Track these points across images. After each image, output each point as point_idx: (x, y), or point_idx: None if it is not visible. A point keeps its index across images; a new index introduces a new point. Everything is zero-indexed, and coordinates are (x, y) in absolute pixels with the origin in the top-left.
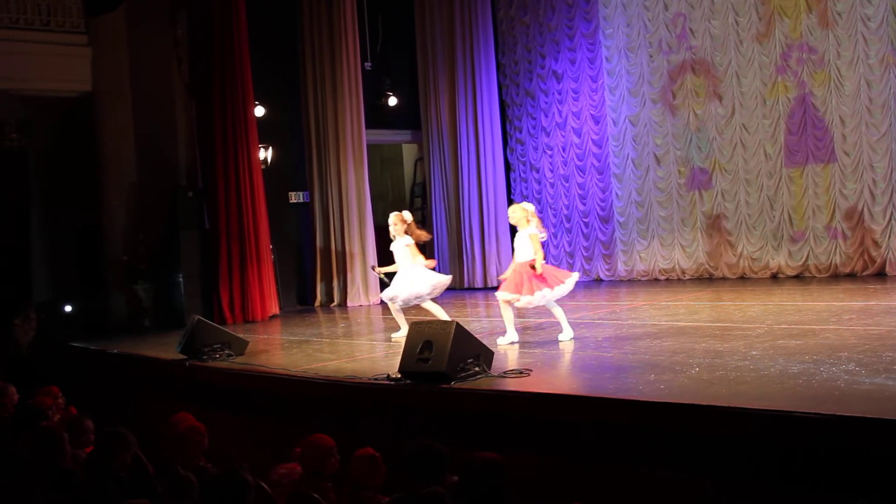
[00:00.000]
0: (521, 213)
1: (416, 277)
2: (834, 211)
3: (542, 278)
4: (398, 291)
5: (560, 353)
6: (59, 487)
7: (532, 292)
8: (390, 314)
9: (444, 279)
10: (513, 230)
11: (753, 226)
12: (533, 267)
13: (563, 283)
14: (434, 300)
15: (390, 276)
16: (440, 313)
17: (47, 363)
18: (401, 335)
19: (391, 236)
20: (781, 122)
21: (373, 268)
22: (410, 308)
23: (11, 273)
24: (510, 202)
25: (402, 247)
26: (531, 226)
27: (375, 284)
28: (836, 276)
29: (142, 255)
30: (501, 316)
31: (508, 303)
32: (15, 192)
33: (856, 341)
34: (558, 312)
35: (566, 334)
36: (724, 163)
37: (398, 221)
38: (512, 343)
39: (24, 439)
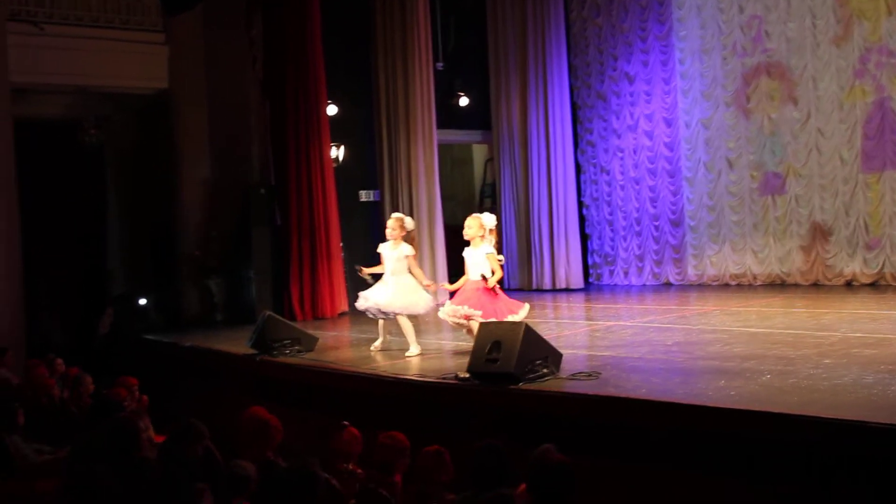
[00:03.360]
0: (478, 231)
1: (404, 289)
2: None
3: (495, 299)
4: (378, 302)
5: (628, 358)
6: (134, 476)
7: (483, 310)
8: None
9: (429, 301)
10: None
11: (828, 232)
12: (485, 279)
13: (515, 313)
14: (411, 319)
15: (376, 277)
16: (411, 336)
17: (122, 355)
18: (378, 345)
19: (387, 237)
20: (858, 126)
21: (358, 269)
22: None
23: (88, 267)
24: (580, 204)
25: (400, 256)
26: (486, 243)
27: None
28: None
29: (214, 251)
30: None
31: (461, 320)
32: (92, 188)
33: None
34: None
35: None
36: (798, 167)
37: (397, 226)
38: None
39: (101, 429)
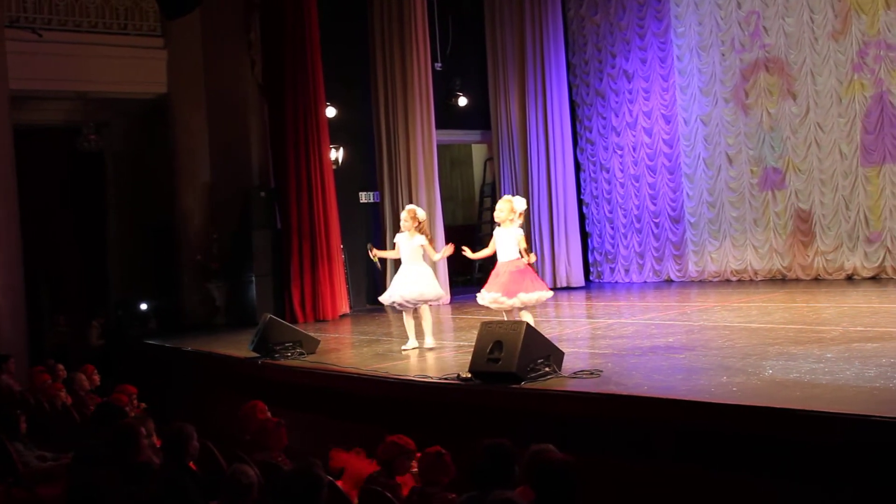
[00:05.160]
0: (509, 213)
1: (423, 277)
2: None
3: (535, 278)
4: (400, 291)
5: (630, 355)
6: (136, 481)
7: (526, 290)
8: (461, 314)
9: (442, 294)
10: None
11: (828, 226)
12: (528, 255)
13: (541, 292)
14: (431, 311)
15: (383, 262)
16: (429, 327)
17: (122, 361)
18: (409, 346)
19: (401, 229)
20: (857, 120)
21: (369, 248)
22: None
23: (89, 272)
24: (580, 202)
25: (415, 246)
26: (516, 226)
27: (446, 283)
28: None
29: (215, 254)
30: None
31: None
32: (92, 193)
33: None
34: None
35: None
36: (797, 162)
37: (409, 218)
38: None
39: (102, 435)
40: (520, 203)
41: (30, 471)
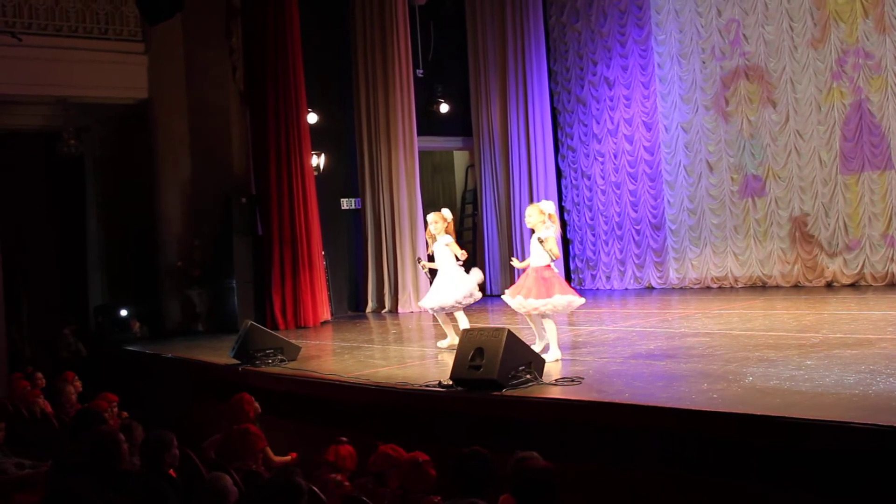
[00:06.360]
0: (539, 217)
1: (454, 281)
2: (891, 218)
3: (551, 284)
4: (435, 297)
5: (611, 362)
6: (116, 488)
7: (550, 295)
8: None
9: (477, 290)
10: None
11: (808, 234)
12: (549, 268)
13: (570, 299)
14: (466, 312)
15: (434, 272)
16: (463, 324)
17: (102, 368)
18: (447, 343)
19: (431, 235)
20: (837, 128)
21: (418, 260)
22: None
23: (69, 277)
24: (562, 209)
25: (443, 246)
26: (546, 228)
27: (426, 290)
28: (892, 285)
29: (196, 260)
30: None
31: (539, 314)
32: (73, 198)
33: None
34: (551, 329)
35: (553, 355)
36: (777, 170)
37: (439, 220)
38: (556, 360)
39: (82, 442)
40: (546, 205)
41: (7, 478)
